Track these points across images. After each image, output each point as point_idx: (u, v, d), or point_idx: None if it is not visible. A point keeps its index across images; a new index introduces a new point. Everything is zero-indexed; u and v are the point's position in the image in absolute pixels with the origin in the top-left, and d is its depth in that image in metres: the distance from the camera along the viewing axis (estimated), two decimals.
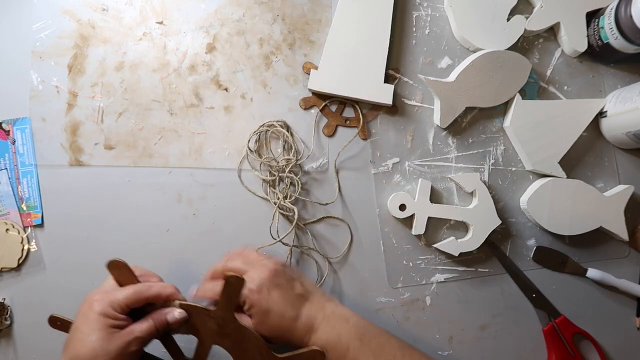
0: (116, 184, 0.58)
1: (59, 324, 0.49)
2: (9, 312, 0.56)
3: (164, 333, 0.46)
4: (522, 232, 0.60)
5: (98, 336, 0.42)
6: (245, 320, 0.48)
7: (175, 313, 0.46)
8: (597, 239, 0.59)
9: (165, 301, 0.46)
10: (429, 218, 0.57)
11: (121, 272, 0.47)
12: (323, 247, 0.58)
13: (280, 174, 0.56)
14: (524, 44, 0.60)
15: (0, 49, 0.58)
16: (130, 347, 0.42)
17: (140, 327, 0.44)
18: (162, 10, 0.59)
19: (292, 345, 0.47)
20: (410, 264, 0.58)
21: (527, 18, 0.58)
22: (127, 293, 0.44)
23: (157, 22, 0.59)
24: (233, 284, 0.45)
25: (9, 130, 0.57)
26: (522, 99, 0.58)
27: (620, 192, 0.57)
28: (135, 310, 0.45)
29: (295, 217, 0.55)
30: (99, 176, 0.58)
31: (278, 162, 0.56)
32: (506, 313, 0.59)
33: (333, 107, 0.59)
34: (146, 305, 0.46)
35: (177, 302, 0.47)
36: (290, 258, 0.57)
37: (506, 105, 0.59)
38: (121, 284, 0.47)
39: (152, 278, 0.49)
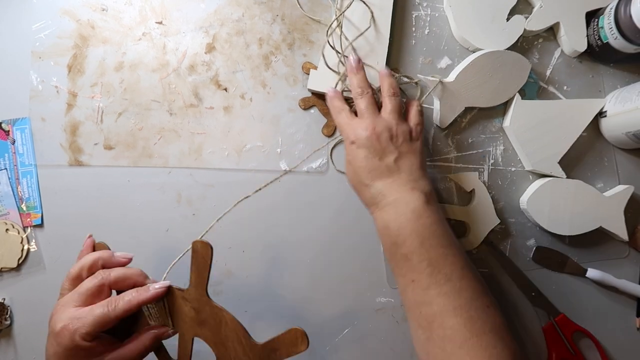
0: (116, 184, 0.58)
1: None
2: (9, 312, 0.56)
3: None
4: (522, 232, 0.60)
5: None
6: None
7: (169, 332, 0.44)
8: (597, 239, 0.59)
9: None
10: None
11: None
12: None
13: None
14: (524, 44, 0.60)
15: (0, 49, 0.58)
16: None
17: (130, 354, 0.41)
18: (161, 10, 0.59)
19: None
20: None
21: (526, 18, 0.58)
22: (90, 324, 0.39)
23: (156, 22, 0.59)
24: (199, 252, 0.42)
25: (8, 130, 0.58)
26: (522, 98, 0.58)
27: (620, 192, 0.57)
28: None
29: None
30: (98, 176, 0.58)
31: None
32: (506, 313, 0.59)
33: None
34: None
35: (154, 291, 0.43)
36: None
37: (506, 105, 0.59)
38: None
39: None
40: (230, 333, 0.45)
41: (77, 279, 0.42)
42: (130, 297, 0.41)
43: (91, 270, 0.43)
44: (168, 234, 0.57)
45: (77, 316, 0.39)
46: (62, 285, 0.43)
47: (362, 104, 0.50)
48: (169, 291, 0.44)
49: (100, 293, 0.41)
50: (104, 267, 0.43)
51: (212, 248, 0.43)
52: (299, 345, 0.44)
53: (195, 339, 0.46)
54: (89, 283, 0.41)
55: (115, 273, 0.42)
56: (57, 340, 0.39)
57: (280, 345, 0.44)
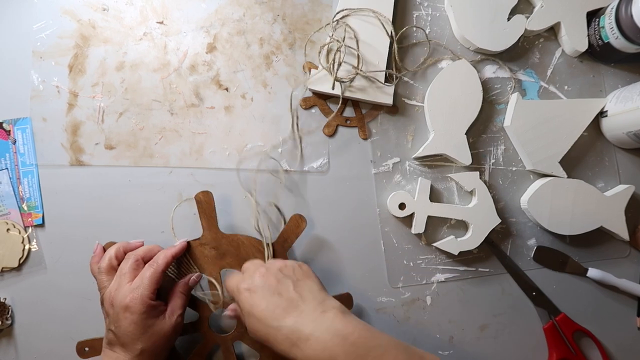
0: (117, 184, 0.58)
1: (87, 350, 0.53)
2: (10, 312, 0.56)
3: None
4: (523, 232, 0.60)
5: (152, 330, 0.47)
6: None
7: (193, 277, 0.52)
8: (597, 238, 0.59)
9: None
10: (429, 217, 0.57)
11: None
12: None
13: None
14: (525, 44, 0.60)
15: (1, 48, 0.58)
16: (179, 321, 0.49)
17: (177, 304, 0.50)
18: (162, 10, 0.59)
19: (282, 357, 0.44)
20: (411, 263, 0.58)
21: (527, 18, 0.58)
22: (148, 285, 0.47)
23: (157, 22, 0.59)
24: (202, 200, 0.52)
25: (9, 130, 0.58)
26: (523, 98, 0.58)
27: (620, 191, 0.57)
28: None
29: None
30: (99, 176, 0.58)
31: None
32: (507, 312, 0.59)
33: (333, 106, 0.59)
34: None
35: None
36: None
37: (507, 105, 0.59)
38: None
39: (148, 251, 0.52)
40: (249, 249, 0.53)
41: (111, 268, 0.50)
42: (164, 253, 0.50)
43: (118, 258, 0.51)
44: (168, 234, 0.57)
45: (135, 286, 0.47)
46: (99, 282, 0.50)
47: (250, 265, 0.49)
48: (188, 246, 0.53)
49: (138, 267, 0.49)
50: (125, 252, 0.51)
51: (211, 193, 0.52)
52: (301, 225, 0.54)
53: None
54: (127, 263, 0.49)
55: (141, 250, 0.51)
56: (130, 311, 0.46)
57: (287, 234, 0.54)
